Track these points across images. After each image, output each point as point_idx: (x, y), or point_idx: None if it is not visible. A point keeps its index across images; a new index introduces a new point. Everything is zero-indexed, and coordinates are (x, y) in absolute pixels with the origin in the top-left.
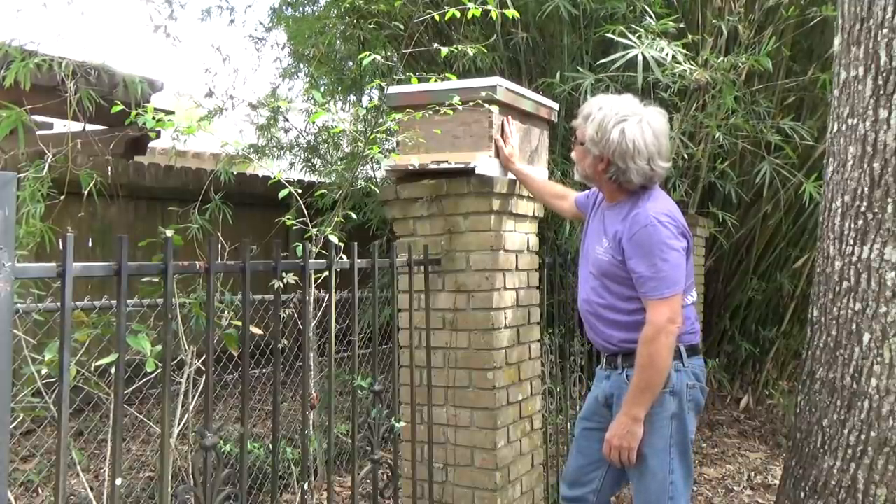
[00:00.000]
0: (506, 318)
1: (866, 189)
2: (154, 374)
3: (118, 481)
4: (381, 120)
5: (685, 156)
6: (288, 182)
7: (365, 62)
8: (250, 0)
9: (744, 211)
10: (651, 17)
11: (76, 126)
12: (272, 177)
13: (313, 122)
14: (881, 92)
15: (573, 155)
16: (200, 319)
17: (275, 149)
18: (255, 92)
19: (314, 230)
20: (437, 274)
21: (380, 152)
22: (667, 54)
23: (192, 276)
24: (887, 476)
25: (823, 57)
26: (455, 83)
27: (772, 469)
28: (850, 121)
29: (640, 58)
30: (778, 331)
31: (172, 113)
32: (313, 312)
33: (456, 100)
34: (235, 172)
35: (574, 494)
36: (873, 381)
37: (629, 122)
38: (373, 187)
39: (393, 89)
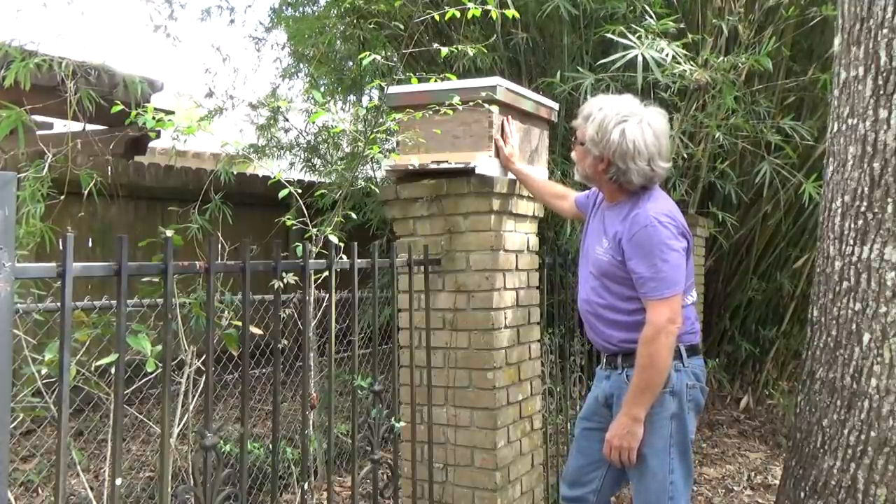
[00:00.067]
0: (506, 318)
1: (866, 189)
2: (154, 374)
3: (118, 481)
4: (381, 120)
5: (685, 156)
6: (288, 182)
7: (365, 62)
8: (250, 0)
9: (744, 211)
10: (651, 17)
11: (76, 126)
12: (272, 177)
13: (313, 122)
14: (881, 92)
15: (573, 155)
16: (200, 319)
17: (275, 149)
18: (255, 92)
19: (314, 230)
20: (437, 274)
21: (380, 152)
22: (666, 54)
23: (192, 276)
24: (887, 476)
25: (823, 57)
26: (455, 83)
27: (772, 469)
28: (850, 121)
29: (639, 58)
30: (778, 331)
31: (172, 113)
32: (313, 312)
33: (456, 100)
34: (235, 172)
35: (574, 494)
36: (873, 381)
37: (629, 123)
38: (373, 187)
39: (393, 89)
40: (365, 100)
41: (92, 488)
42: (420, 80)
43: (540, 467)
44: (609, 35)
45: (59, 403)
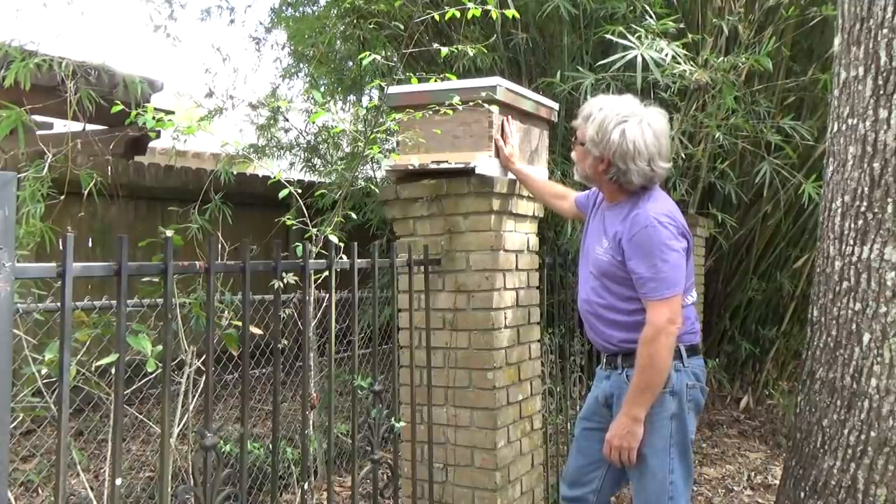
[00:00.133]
0: (506, 318)
1: (866, 189)
2: (154, 374)
3: (118, 481)
4: (381, 120)
5: (683, 156)
6: (288, 182)
7: (365, 62)
8: (250, 0)
9: (744, 211)
10: (651, 17)
11: (76, 126)
12: (272, 177)
13: (313, 122)
14: (881, 92)
15: (573, 155)
16: (200, 319)
17: (275, 149)
18: (255, 92)
19: (314, 230)
20: (437, 274)
21: (380, 152)
22: (666, 55)
23: (192, 276)
24: (887, 476)
25: (823, 57)
26: (455, 83)
27: (772, 469)
28: (850, 121)
29: (639, 59)
30: (778, 331)
31: (172, 113)
32: (313, 312)
33: (456, 100)
34: (235, 172)
35: (574, 494)
36: (873, 381)
37: (630, 123)
38: (373, 187)
39: (393, 89)
40: (365, 100)
41: (92, 488)
42: (420, 80)
43: (540, 467)
44: (608, 35)
45: (59, 403)
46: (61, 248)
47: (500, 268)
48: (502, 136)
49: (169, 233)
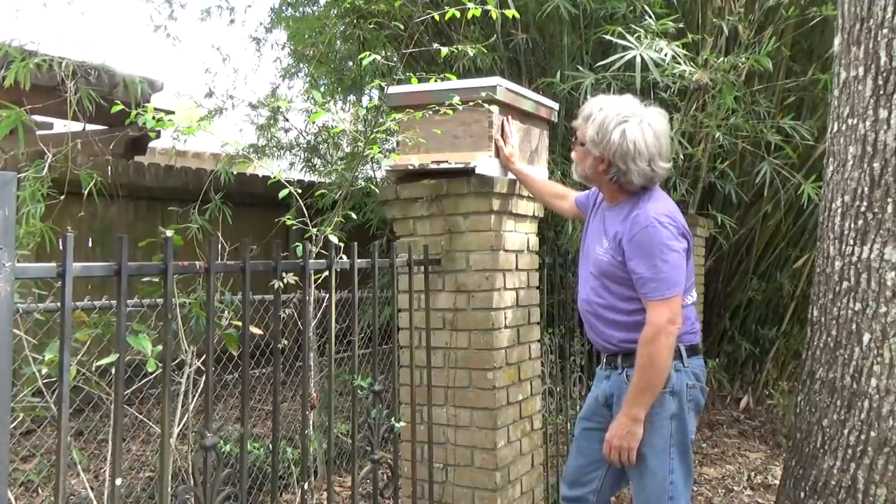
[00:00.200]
0: (506, 318)
1: (866, 189)
2: (154, 374)
3: (118, 481)
4: (381, 120)
5: (683, 157)
6: (288, 182)
7: (365, 62)
8: (250, 0)
9: (744, 211)
10: (650, 17)
11: (76, 126)
12: (272, 177)
13: (313, 122)
14: (881, 92)
15: (573, 156)
16: (200, 319)
17: (275, 149)
18: (255, 92)
19: (314, 230)
20: (437, 274)
21: (380, 152)
22: (665, 55)
23: (192, 276)
24: (887, 476)
25: (823, 57)
26: (455, 83)
27: (772, 469)
28: (850, 121)
29: (638, 59)
30: (778, 331)
31: (172, 113)
32: (313, 312)
33: (456, 100)
34: (235, 172)
35: (574, 494)
36: (873, 381)
37: (630, 124)
38: (373, 187)
39: (393, 89)
40: (365, 100)
41: (92, 488)
42: (420, 80)
43: (540, 467)
44: (607, 36)
45: (59, 403)
46: (61, 248)
47: (500, 268)
48: (502, 136)
49: (169, 233)
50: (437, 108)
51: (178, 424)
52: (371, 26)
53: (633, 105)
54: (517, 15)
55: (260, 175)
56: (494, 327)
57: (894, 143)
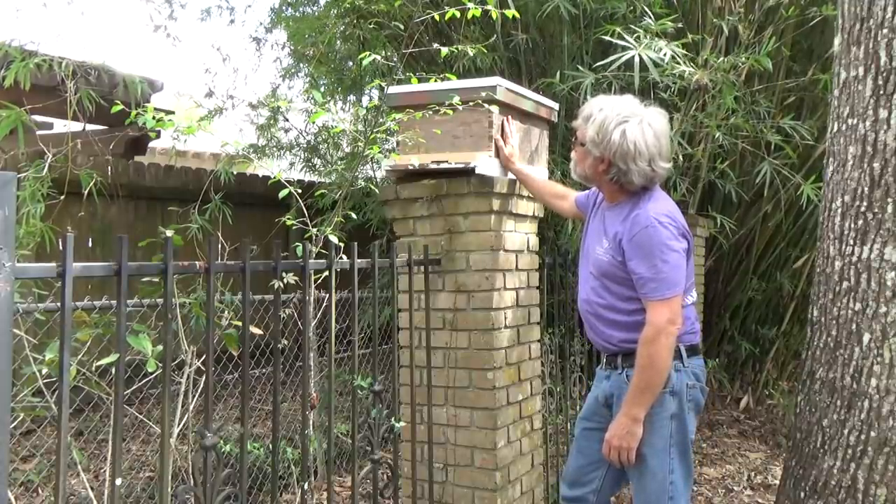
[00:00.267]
0: (506, 318)
1: (866, 189)
2: (154, 374)
3: (118, 481)
4: (381, 120)
5: (683, 157)
6: (288, 182)
7: (365, 62)
8: (250, 0)
9: (744, 211)
10: (650, 17)
11: (76, 126)
12: (272, 177)
13: (313, 122)
14: (881, 92)
15: (573, 156)
16: (200, 319)
17: (275, 149)
18: (255, 92)
19: (314, 230)
20: (437, 274)
21: (380, 152)
22: (664, 54)
23: (192, 276)
24: (887, 476)
25: (823, 57)
26: (455, 83)
27: (772, 469)
28: (850, 121)
29: (636, 59)
30: (778, 331)
31: (172, 113)
32: (313, 312)
33: (456, 100)
34: (235, 172)
35: (574, 494)
36: (873, 381)
37: (630, 124)
38: (373, 187)
39: (393, 89)
40: (365, 100)
41: (92, 488)
42: (420, 80)
43: (540, 467)
44: (606, 36)
45: (59, 403)
46: (61, 248)
47: (500, 268)
48: (502, 136)
49: (169, 233)
50: (437, 108)
51: (178, 424)
52: (371, 26)
53: (633, 105)
54: (517, 15)
55: (260, 175)
56: (494, 327)
57: (894, 143)
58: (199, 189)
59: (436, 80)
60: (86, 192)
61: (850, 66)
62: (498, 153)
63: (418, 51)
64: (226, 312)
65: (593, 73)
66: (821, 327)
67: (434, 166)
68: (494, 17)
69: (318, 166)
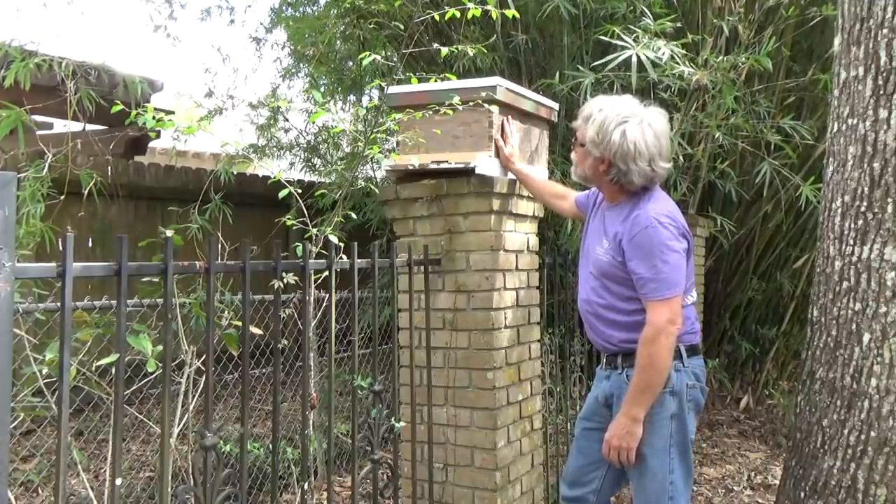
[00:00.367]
0: (506, 318)
1: (866, 189)
2: (154, 374)
3: (118, 481)
4: (381, 120)
5: (683, 157)
6: (288, 182)
7: (365, 62)
8: (250, 0)
9: (744, 211)
10: (649, 17)
11: (76, 126)
12: (272, 177)
13: (313, 122)
14: (881, 92)
15: (573, 156)
16: (200, 319)
17: (275, 149)
18: (255, 92)
19: (314, 230)
20: (437, 274)
21: (380, 152)
22: (662, 54)
23: (192, 276)
24: (887, 476)
25: (823, 57)
26: (455, 83)
27: (772, 469)
28: (850, 121)
29: (634, 59)
30: (778, 331)
31: (172, 113)
32: (313, 312)
33: (456, 100)
34: (235, 172)
35: (574, 494)
36: (873, 381)
37: (630, 124)
38: (373, 187)
39: (393, 89)
40: (365, 100)
41: (92, 488)
42: (420, 80)
43: (540, 467)
44: (604, 36)
45: (59, 403)
46: (61, 248)
47: (500, 268)
48: (502, 136)
49: (169, 233)
50: (437, 108)
51: (178, 424)
52: (371, 26)
53: (633, 105)
54: (517, 15)
55: (260, 175)
56: (494, 327)
57: (894, 143)
58: (199, 189)
59: (436, 80)
60: (86, 192)
61: (850, 66)
62: (498, 153)
63: (418, 51)
64: (226, 312)
65: (593, 73)
66: (821, 327)
67: (434, 166)
68: (494, 17)
69: (318, 166)
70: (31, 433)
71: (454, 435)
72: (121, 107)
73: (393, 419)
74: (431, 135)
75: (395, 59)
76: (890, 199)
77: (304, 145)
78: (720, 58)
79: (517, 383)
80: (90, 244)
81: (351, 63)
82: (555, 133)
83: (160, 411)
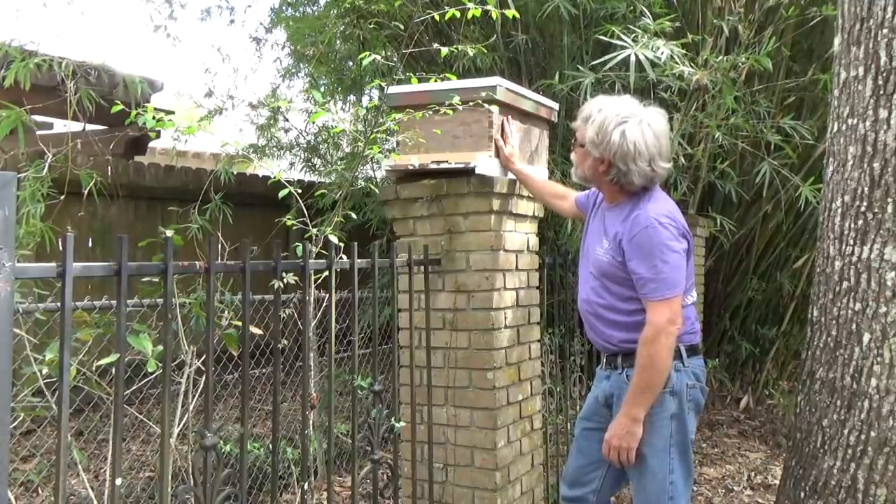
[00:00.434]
0: (506, 318)
1: (866, 189)
2: (154, 374)
3: (118, 481)
4: (381, 120)
5: (683, 157)
6: (288, 182)
7: (365, 62)
8: (250, 0)
9: (744, 211)
10: (648, 17)
11: (76, 126)
12: (272, 177)
13: (313, 122)
14: (881, 92)
15: (573, 157)
16: (200, 319)
17: (275, 149)
18: (255, 92)
19: (314, 230)
20: (437, 274)
21: (380, 152)
22: (662, 53)
23: (192, 276)
24: (887, 476)
25: (823, 57)
26: (455, 83)
27: (772, 469)
28: (850, 121)
29: (632, 58)
30: (778, 331)
31: (172, 113)
32: (313, 312)
33: (456, 100)
34: (235, 172)
35: (574, 494)
36: (873, 381)
37: (630, 124)
38: (373, 187)
39: (393, 89)
40: (365, 100)
41: (92, 488)
42: (420, 80)
43: (540, 467)
44: (603, 36)
45: (59, 403)
46: (61, 248)
47: (500, 268)
48: (502, 136)
49: (169, 233)
50: (437, 108)
51: (178, 424)
52: (371, 26)
53: (633, 105)
54: (517, 15)
55: (260, 175)
56: (494, 327)
57: (894, 143)
58: (199, 189)
59: (436, 80)
60: (86, 192)
61: (850, 66)
62: (498, 153)
63: (418, 51)
64: (226, 312)
65: (593, 74)
66: (821, 327)
67: (434, 166)
68: (494, 17)
69: (318, 166)
70: (31, 433)
71: (454, 435)
72: (121, 107)
73: (393, 419)
74: (431, 135)
75: (395, 59)
76: (890, 199)
77: (304, 145)
78: (720, 58)
79: (517, 383)
80: (90, 244)
81: (351, 63)
82: (555, 133)
83: (160, 411)
